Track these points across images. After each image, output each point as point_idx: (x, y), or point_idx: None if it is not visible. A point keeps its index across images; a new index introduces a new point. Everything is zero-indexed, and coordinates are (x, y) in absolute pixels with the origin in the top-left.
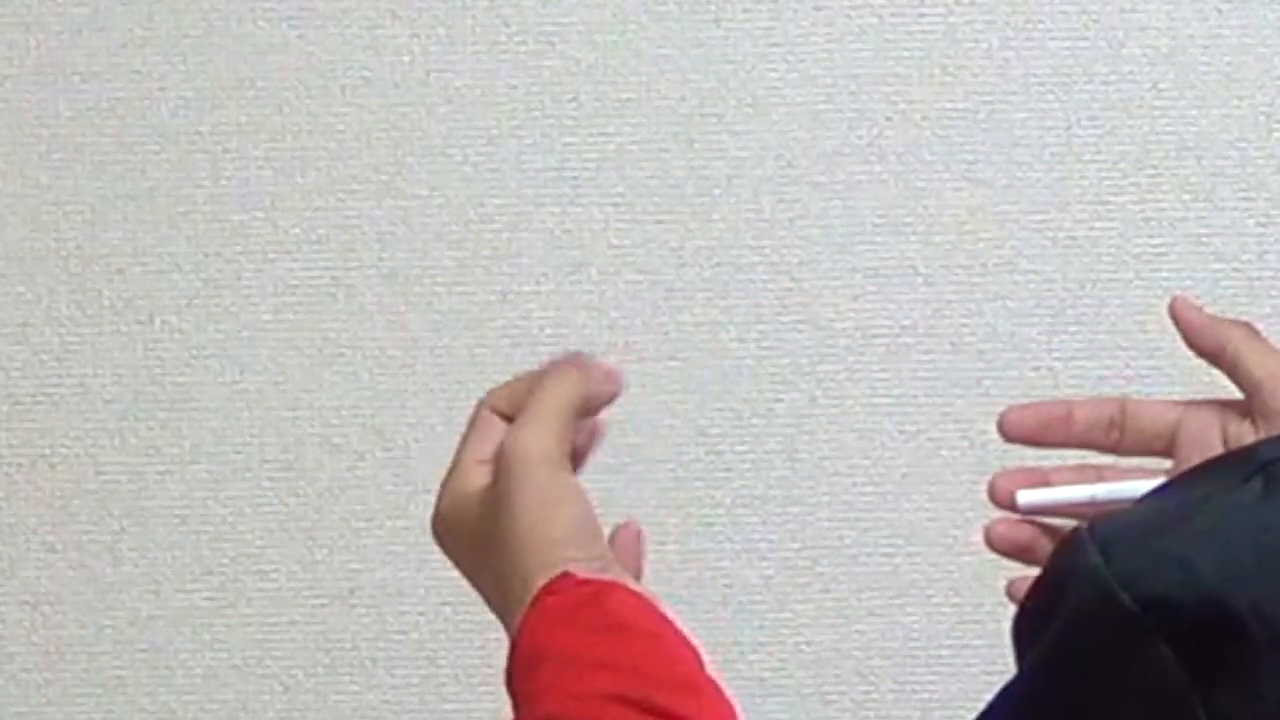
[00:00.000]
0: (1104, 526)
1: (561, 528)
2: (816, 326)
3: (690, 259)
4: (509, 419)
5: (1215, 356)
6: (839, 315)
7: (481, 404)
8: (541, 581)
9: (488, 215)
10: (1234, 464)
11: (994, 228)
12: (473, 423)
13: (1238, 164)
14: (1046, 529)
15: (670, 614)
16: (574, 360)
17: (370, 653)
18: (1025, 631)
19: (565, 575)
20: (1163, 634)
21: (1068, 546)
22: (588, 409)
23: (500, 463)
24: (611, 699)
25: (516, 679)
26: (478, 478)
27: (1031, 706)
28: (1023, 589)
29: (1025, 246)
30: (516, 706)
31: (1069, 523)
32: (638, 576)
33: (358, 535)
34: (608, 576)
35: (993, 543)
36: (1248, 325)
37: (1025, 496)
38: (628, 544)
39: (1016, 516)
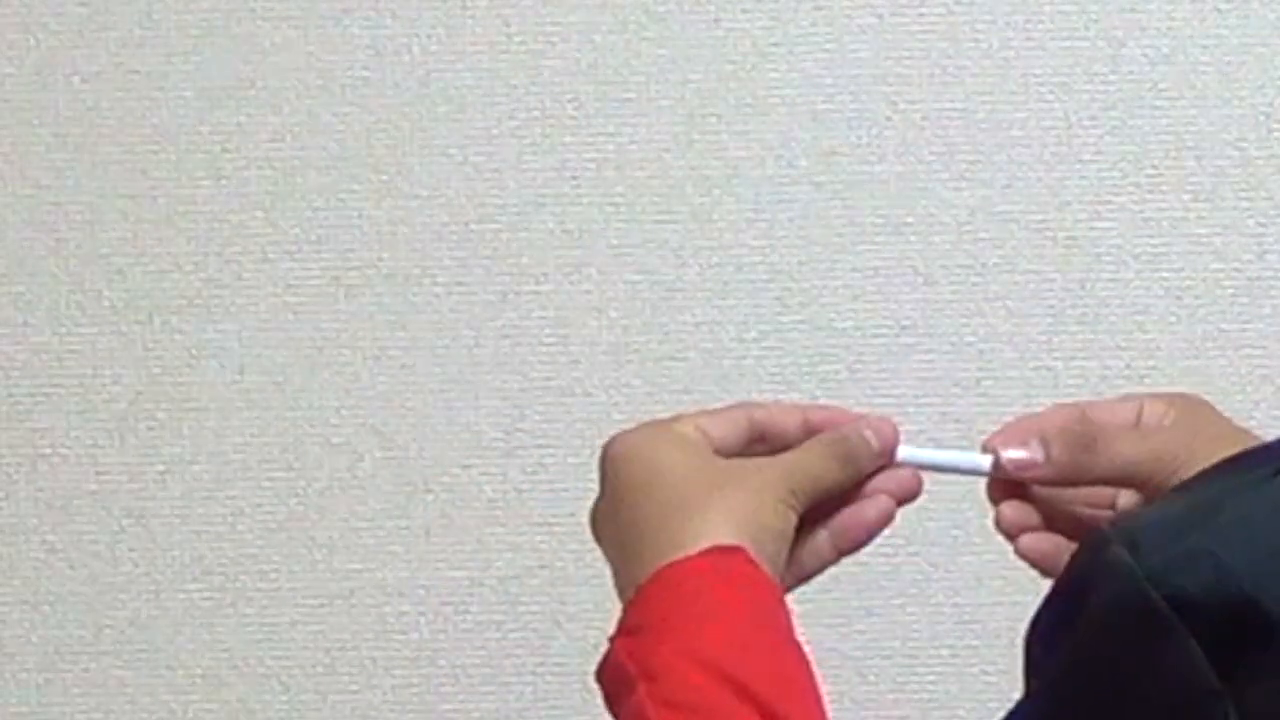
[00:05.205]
0: (1128, 524)
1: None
2: (816, 326)
3: (690, 259)
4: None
5: (1094, 480)
6: (839, 315)
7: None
8: (707, 544)
9: (488, 215)
10: (1257, 459)
11: (994, 228)
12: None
13: (1238, 164)
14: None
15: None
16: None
17: (370, 653)
18: (1044, 633)
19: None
20: (1192, 631)
21: (1091, 546)
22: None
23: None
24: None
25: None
26: (693, 433)
27: (1058, 706)
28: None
29: (1025, 246)
30: (630, 629)
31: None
32: None
33: (358, 535)
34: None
35: (1022, 553)
36: (1080, 433)
37: (903, 453)
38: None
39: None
